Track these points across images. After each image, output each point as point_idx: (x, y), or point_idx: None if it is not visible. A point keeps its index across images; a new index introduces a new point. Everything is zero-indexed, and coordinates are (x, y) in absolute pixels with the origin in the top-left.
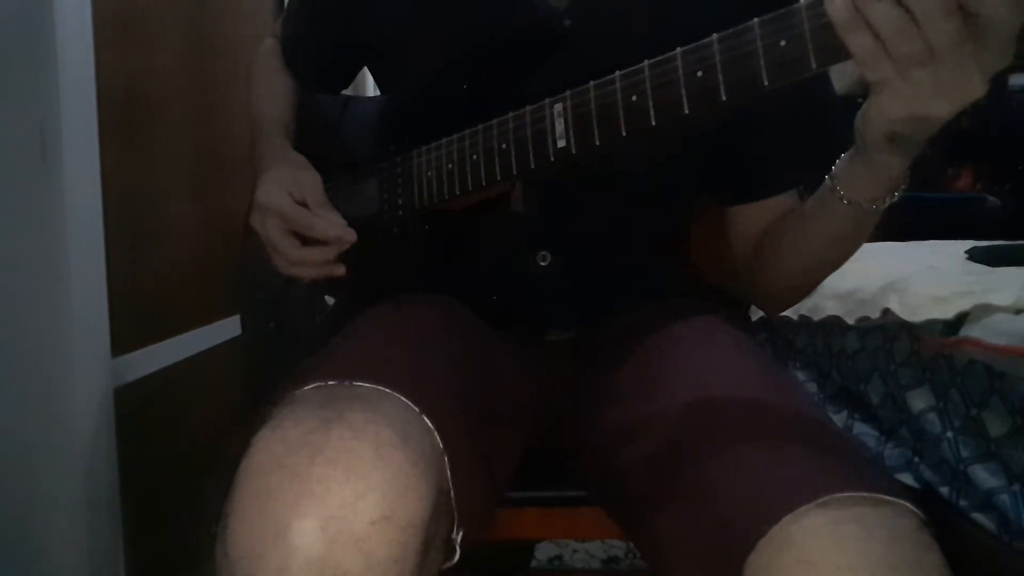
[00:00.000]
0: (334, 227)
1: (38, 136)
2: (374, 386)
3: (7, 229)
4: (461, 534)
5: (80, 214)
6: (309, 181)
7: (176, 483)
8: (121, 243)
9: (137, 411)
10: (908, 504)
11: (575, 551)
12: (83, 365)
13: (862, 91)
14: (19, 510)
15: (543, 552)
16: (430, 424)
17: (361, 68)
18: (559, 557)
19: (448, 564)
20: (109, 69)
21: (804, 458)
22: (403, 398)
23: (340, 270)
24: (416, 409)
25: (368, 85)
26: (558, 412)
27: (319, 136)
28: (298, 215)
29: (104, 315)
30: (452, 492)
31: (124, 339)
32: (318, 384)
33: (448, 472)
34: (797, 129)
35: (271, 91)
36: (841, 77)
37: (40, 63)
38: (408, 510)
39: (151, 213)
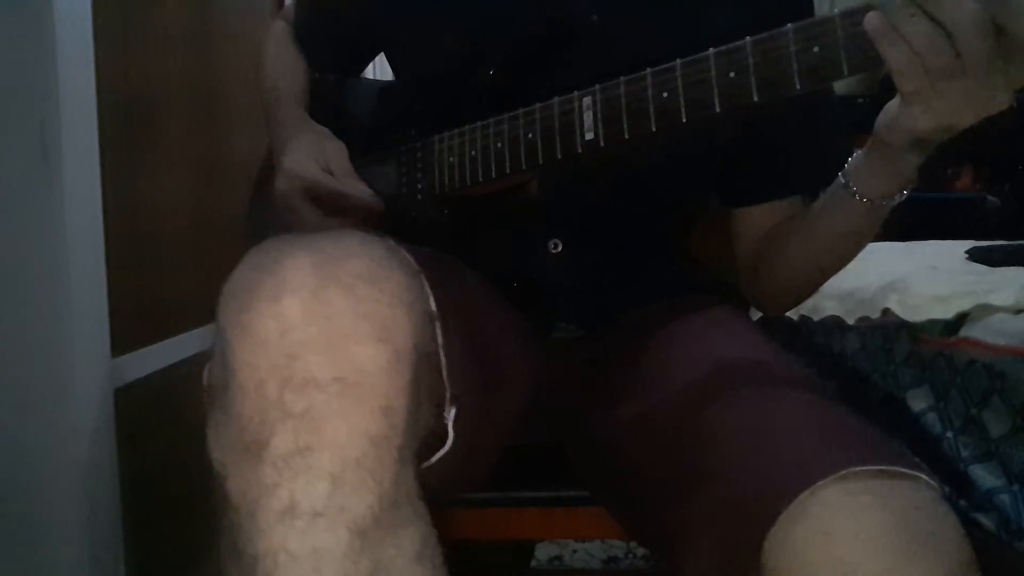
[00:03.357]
0: (364, 196)
1: (38, 136)
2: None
3: (7, 229)
4: (454, 412)
5: (80, 214)
6: (334, 150)
7: (176, 483)
8: (121, 243)
9: (137, 411)
10: (925, 476)
11: (575, 551)
12: (83, 365)
13: (862, 91)
14: (19, 510)
15: (543, 552)
16: (428, 288)
17: (378, 54)
18: (559, 557)
19: (442, 452)
20: (109, 69)
21: (819, 435)
22: (410, 257)
23: None
24: (419, 270)
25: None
26: (561, 411)
27: (327, 118)
28: (327, 181)
29: (104, 315)
30: (443, 356)
31: (124, 339)
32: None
33: (439, 334)
34: (802, 138)
35: (285, 67)
36: None
37: (40, 63)
38: (392, 289)
39: (151, 213)
